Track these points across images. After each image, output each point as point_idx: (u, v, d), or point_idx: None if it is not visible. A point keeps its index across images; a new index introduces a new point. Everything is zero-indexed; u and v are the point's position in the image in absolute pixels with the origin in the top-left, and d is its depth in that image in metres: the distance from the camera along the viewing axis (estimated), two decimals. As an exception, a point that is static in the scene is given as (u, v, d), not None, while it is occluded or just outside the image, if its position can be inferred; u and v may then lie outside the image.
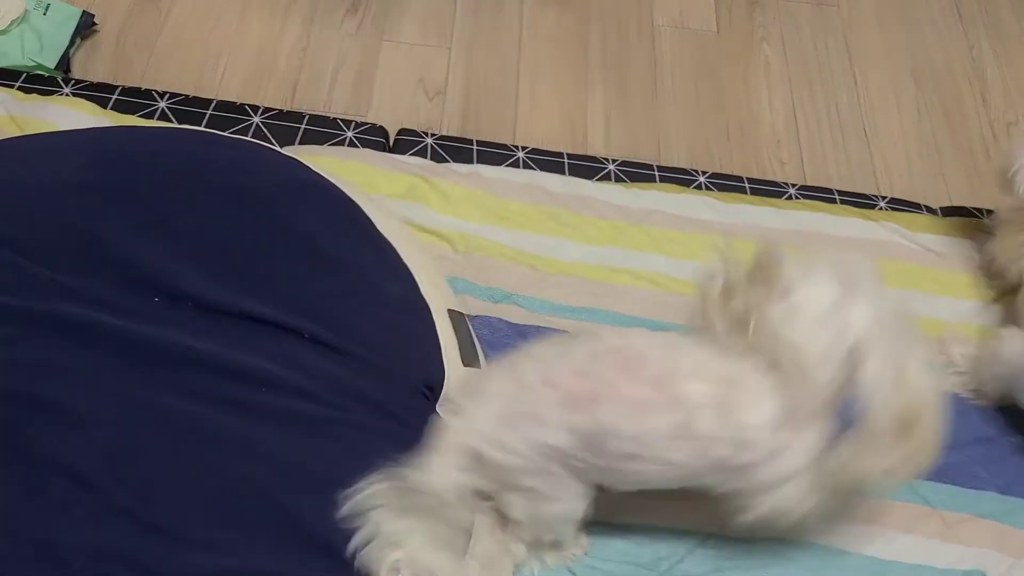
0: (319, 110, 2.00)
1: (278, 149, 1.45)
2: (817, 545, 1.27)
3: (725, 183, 1.82)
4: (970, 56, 2.35)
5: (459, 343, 1.25)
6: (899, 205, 1.83)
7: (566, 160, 1.82)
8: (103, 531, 0.92)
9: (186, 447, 0.98)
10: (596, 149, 2.00)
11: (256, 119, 1.75)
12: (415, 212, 1.58)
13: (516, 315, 1.47)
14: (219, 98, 1.79)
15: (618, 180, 1.78)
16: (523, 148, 1.82)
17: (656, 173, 1.82)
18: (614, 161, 1.84)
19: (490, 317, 1.45)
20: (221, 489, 0.97)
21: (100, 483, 0.93)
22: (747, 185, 1.82)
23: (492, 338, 1.42)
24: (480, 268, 1.51)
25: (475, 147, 1.81)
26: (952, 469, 1.36)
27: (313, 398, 1.05)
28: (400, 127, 1.82)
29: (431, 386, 1.19)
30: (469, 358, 1.26)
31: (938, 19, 2.42)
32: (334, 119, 1.79)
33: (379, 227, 1.31)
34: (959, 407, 1.42)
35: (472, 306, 1.47)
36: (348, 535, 0.97)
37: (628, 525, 1.24)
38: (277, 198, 1.23)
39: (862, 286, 0.93)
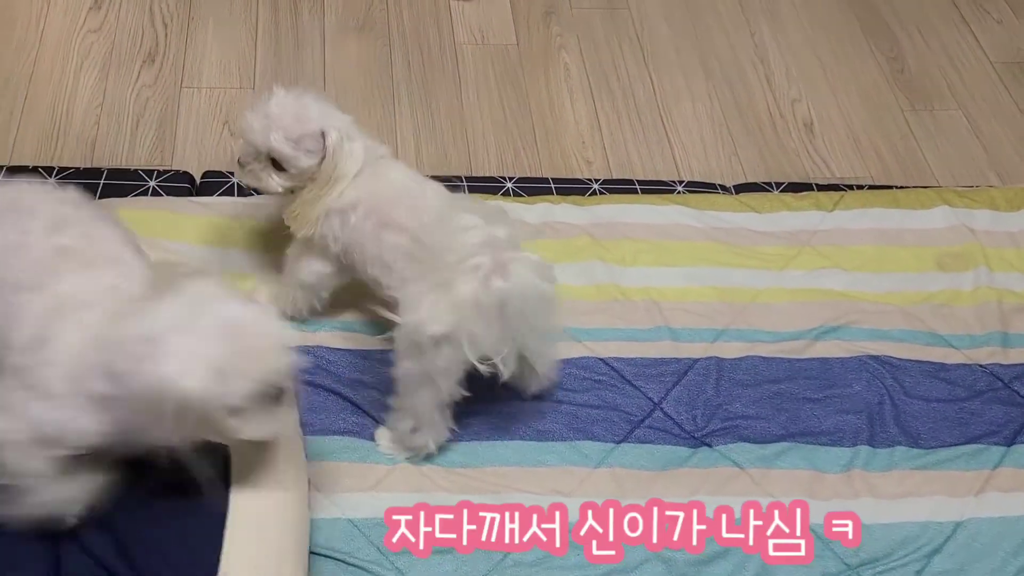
0: (120, 164, 1.98)
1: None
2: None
3: (531, 186, 1.89)
4: (752, 42, 2.51)
5: None
6: (695, 187, 1.94)
7: (375, 183, 1.85)
8: None
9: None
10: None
11: (51, 181, 1.72)
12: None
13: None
14: (11, 163, 1.75)
15: (427, 196, 1.83)
16: (332, 176, 1.84)
17: (465, 184, 1.87)
18: (423, 177, 1.89)
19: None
20: None
21: None
22: (553, 186, 1.90)
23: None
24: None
25: (283, 181, 1.82)
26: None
27: None
28: (205, 170, 1.82)
29: None
30: None
31: (721, 9, 2.58)
32: (135, 171, 1.78)
33: None
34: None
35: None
36: None
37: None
38: None
39: None
